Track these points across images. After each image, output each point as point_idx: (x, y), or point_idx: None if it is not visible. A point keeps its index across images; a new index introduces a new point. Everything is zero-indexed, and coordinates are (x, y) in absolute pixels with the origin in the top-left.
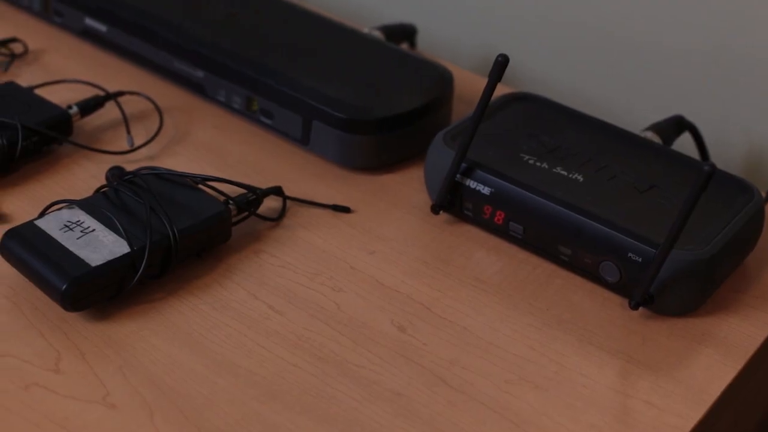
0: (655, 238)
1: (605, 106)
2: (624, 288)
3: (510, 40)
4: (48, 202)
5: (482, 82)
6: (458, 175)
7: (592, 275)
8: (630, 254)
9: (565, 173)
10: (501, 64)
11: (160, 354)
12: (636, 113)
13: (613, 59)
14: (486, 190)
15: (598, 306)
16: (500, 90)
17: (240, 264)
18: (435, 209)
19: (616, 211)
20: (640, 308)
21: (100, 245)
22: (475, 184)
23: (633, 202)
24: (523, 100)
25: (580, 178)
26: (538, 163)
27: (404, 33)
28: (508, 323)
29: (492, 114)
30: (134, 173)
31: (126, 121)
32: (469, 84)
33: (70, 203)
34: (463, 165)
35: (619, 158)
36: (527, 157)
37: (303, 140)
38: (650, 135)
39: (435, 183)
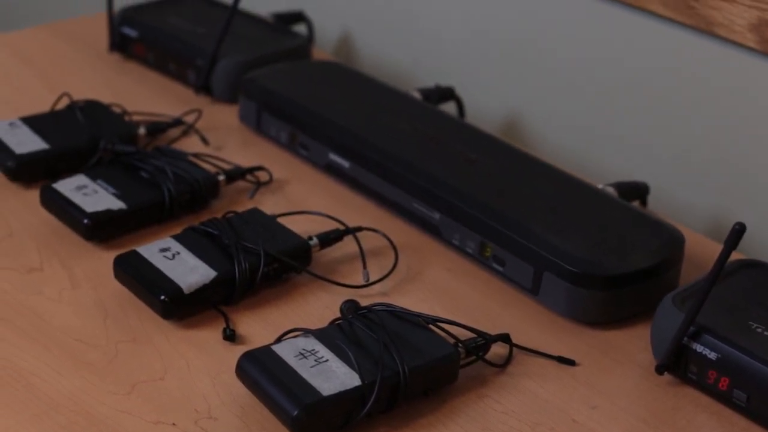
0: None
1: None
2: None
3: (740, 204)
4: (283, 328)
5: (710, 245)
6: (685, 338)
7: None
8: None
9: None
10: (738, 232)
11: None
12: None
13: None
14: (713, 355)
15: None
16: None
17: (464, 407)
18: (659, 369)
19: None
20: None
21: (333, 375)
22: (702, 348)
23: None
24: (753, 267)
25: None
26: (766, 333)
27: (637, 191)
28: None
29: (722, 279)
30: (369, 308)
31: (363, 256)
32: (698, 246)
33: (306, 332)
34: (691, 328)
35: None
36: (755, 325)
37: (533, 290)
38: None
39: (661, 343)
